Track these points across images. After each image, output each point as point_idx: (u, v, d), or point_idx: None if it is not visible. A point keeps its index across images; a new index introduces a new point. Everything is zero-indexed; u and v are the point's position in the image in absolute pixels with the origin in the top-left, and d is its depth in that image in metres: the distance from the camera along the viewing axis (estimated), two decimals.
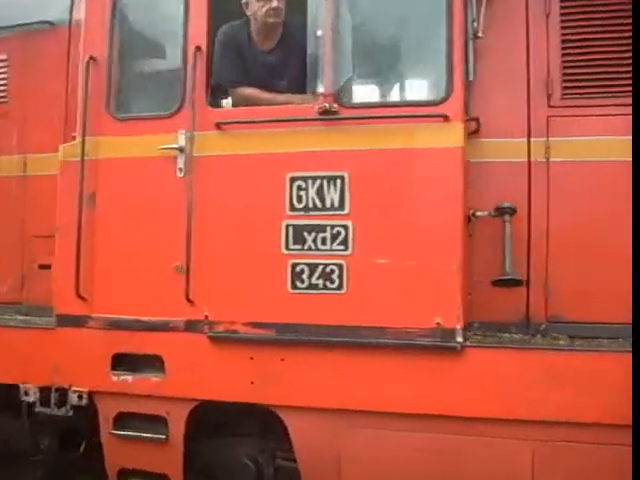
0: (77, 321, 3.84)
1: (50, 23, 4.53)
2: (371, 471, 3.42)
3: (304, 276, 3.49)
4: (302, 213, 3.51)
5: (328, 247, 3.47)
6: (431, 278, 3.34)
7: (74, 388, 3.80)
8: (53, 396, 3.85)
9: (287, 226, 3.53)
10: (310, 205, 3.50)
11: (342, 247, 3.45)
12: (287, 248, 3.52)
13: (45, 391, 3.87)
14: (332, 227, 3.46)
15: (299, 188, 3.51)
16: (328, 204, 3.47)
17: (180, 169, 3.69)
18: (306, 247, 3.49)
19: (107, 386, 3.76)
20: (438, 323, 3.31)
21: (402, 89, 3.60)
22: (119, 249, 3.79)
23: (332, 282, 3.45)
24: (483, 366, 3.26)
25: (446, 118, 3.32)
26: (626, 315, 3.36)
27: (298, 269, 3.50)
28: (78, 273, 3.78)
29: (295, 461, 3.68)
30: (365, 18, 3.51)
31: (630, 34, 3.42)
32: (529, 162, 3.70)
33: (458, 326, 3.29)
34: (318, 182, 3.49)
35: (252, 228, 3.58)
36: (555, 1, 3.70)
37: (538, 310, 3.65)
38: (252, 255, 3.57)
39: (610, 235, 3.53)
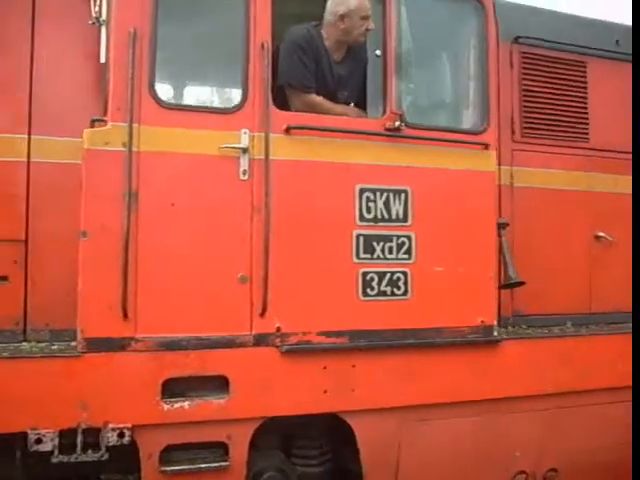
0: (116, 344, 3.18)
1: None
2: (433, 455, 3.78)
3: (374, 284, 3.63)
4: (371, 223, 3.64)
5: (394, 256, 3.69)
6: (475, 283, 3.86)
7: (112, 425, 3.15)
8: (80, 438, 3.11)
9: (358, 236, 3.62)
10: (378, 216, 3.66)
11: (406, 256, 3.71)
12: (358, 257, 3.61)
13: (65, 435, 3.10)
14: (397, 237, 3.70)
15: (368, 199, 3.64)
16: (394, 216, 3.69)
17: (244, 171, 3.41)
18: (375, 256, 3.64)
19: (156, 417, 3.22)
20: (482, 321, 3.86)
21: (446, 116, 4.01)
22: (168, 258, 3.28)
23: (399, 289, 3.69)
24: (515, 354, 3.95)
25: (486, 146, 3.90)
26: (569, 307, 4.49)
27: (368, 277, 3.62)
28: (126, 288, 3.15)
29: (313, 465, 3.79)
30: (421, 46, 3.83)
31: (576, 88, 4.58)
32: (499, 186, 4.51)
33: (495, 323, 3.91)
34: (385, 195, 3.68)
35: (323, 236, 3.56)
36: (517, 55, 4.59)
37: (507, 307, 4.48)
38: (324, 263, 3.55)
39: (557, 245, 4.56)
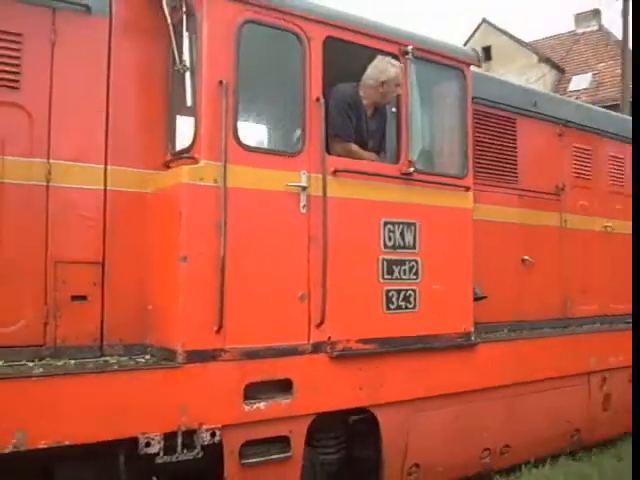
0: (209, 355, 3.65)
1: (87, 7, 3.78)
2: (430, 438, 4.64)
3: (394, 299, 4.43)
4: (391, 250, 4.44)
5: (407, 276, 4.52)
6: (460, 298, 4.83)
7: (205, 426, 3.60)
8: (180, 440, 3.52)
9: (382, 260, 4.39)
10: (397, 244, 4.47)
11: (415, 276, 4.56)
12: (382, 278, 4.39)
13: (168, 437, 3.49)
14: (409, 261, 4.53)
15: (389, 230, 4.44)
16: (407, 244, 4.52)
17: (304, 206, 4.04)
18: (394, 277, 4.45)
19: (238, 417, 3.73)
20: (465, 328, 4.83)
21: (438, 164, 4.91)
22: (246, 279, 3.80)
23: (410, 303, 4.52)
24: (486, 354, 4.95)
25: (467, 188, 4.89)
26: (504, 316, 5.63)
27: (390, 294, 4.42)
28: (222, 305, 3.63)
29: (332, 454, 4.49)
30: (423, 105, 4.70)
31: (508, 140, 5.75)
32: None
33: (472, 329, 4.89)
34: (401, 227, 4.50)
35: (359, 260, 4.29)
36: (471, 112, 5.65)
37: None
38: (359, 283, 4.28)
39: (496, 266, 5.68)
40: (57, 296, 3.64)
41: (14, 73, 3.58)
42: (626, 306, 6.68)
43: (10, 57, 3.57)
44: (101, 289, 3.78)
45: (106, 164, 3.83)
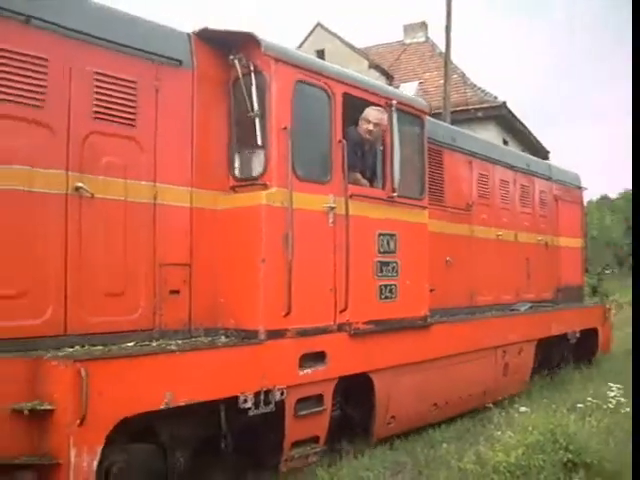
0: (280, 334, 4.85)
1: (179, 62, 4.76)
2: (402, 396, 6.15)
3: (383, 291, 5.89)
4: (382, 254, 5.89)
5: (391, 274, 6.00)
6: (421, 290, 6.41)
7: (277, 387, 4.79)
8: (262, 397, 4.68)
9: (377, 262, 5.83)
10: (386, 250, 5.93)
11: (395, 274, 6.05)
12: (377, 275, 5.83)
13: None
14: (392, 263, 6.02)
15: (381, 239, 5.89)
16: (390, 249, 6.00)
17: (332, 221, 5.35)
18: (384, 274, 5.91)
19: (296, 380, 4.96)
20: (424, 313, 6.42)
21: (407, 187, 6.39)
22: (301, 275, 5.03)
23: (392, 294, 6.01)
24: (437, 332, 6.58)
25: (424, 207, 6.49)
26: (435, 304, 7.35)
27: (381, 287, 5.87)
28: (290, 295, 4.84)
29: (333, 411, 5.87)
30: (400, 144, 6.19)
31: (438, 168, 7.47)
32: None
33: (428, 313, 6.50)
34: (387, 237, 5.97)
35: (363, 262, 5.68)
36: None
37: None
38: (363, 279, 5.67)
39: (431, 264, 7.35)
40: (161, 291, 4.62)
41: (132, 113, 4.51)
42: (510, 297, 8.82)
43: (130, 100, 4.50)
44: (189, 285, 4.81)
45: (191, 187, 4.86)
